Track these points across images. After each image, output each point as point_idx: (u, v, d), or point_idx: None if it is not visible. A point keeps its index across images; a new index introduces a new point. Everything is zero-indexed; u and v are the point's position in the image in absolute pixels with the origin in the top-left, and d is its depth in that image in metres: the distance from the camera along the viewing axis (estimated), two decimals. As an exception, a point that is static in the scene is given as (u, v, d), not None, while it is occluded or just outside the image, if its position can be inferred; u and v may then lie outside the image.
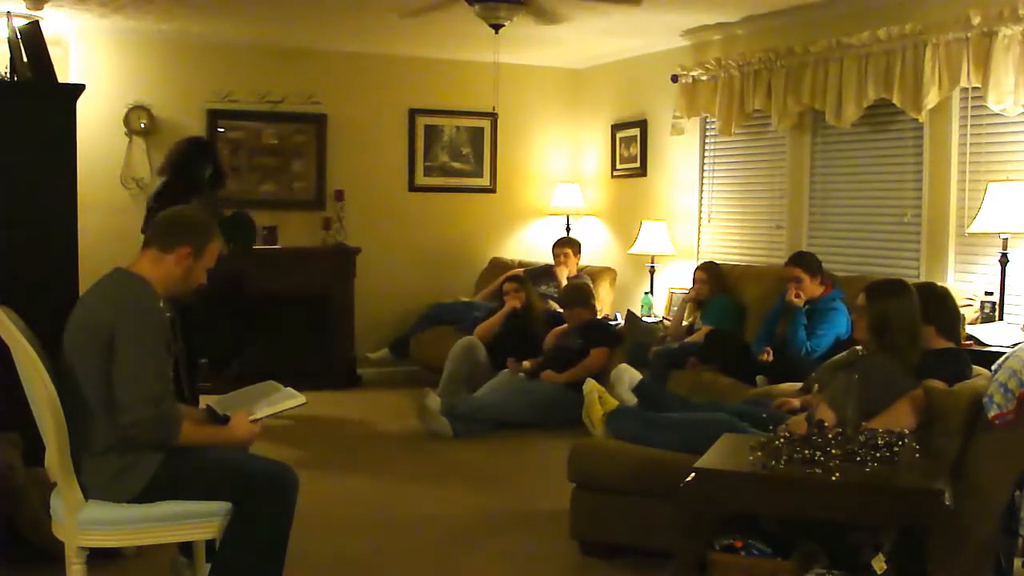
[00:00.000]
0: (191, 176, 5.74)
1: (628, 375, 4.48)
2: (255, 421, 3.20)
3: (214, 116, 7.44)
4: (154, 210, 5.95)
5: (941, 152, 5.32)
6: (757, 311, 5.87)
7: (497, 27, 5.73)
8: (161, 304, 3.01)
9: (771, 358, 5.29)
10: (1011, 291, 4.88)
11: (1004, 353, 3.46)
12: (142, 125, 7.19)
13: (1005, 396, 3.14)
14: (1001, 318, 4.82)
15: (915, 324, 3.59)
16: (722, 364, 5.45)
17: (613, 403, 4.26)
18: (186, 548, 3.45)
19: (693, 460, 3.18)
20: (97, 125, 6.91)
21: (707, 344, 5.63)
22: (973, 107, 5.14)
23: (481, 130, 8.35)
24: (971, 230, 4.97)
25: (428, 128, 8.18)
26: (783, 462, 3.04)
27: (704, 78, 6.72)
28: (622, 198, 8.04)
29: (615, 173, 8.11)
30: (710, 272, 6.28)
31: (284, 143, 7.69)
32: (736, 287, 6.23)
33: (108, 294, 2.97)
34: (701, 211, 7.17)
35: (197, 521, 2.96)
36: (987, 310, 4.86)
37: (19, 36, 4.52)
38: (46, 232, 4.23)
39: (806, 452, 3.03)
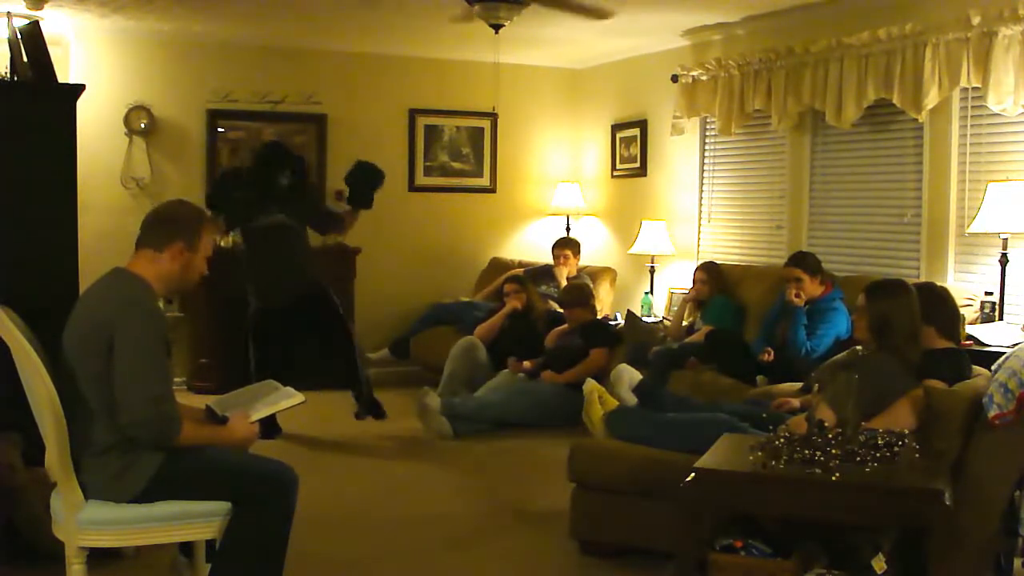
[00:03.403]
0: (268, 183, 5.87)
1: (628, 375, 4.48)
2: (255, 422, 3.20)
3: (214, 116, 7.44)
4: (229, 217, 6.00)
5: (941, 152, 5.32)
6: (757, 311, 5.87)
7: (497, 27, 5.72)
8: (160, 304, 3.02)
9: (771, 358, 5.29)
10: (1011, 291, 4.88)
11: (1004, 353, 3.46)
12: (142, 125, 7.19)
13: (1005, 396, 3.14)
14: (1001, 318, 4.82)
15: (915, 324, 3.58)
16: (722, 364, 5.44)
17: (613, 403, 4.26)
18: (186, 548, 3.44)
19: (693, 460, 3.18)
20: (97, 125, 6.91)
21: (707, 344, 5.63)
22: (973, 107, 5.14)
23: (481, 130, 8.35)
24: (971, 230, 4.97)
25: (428, 128, 8.18)
26: (783, 462, 3.04)
27: (704, 78, 6.72)
28: (622, 198, 8.04)
29: (615, 173, 8.11)
30: (710, 272, 6.27)
31: (284, 143, 7.67)
32: (736, 287, 6.23)
33: (108, 294, 2.98)
34: (701, 211, 7.17)
35: (197, 521, 2.96)
36: (987, 310, 4.86)
37: (19, 36, 4.52)
38: (46, 232, 4.23)
39: (806, 452, 3.03)
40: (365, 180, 6.22)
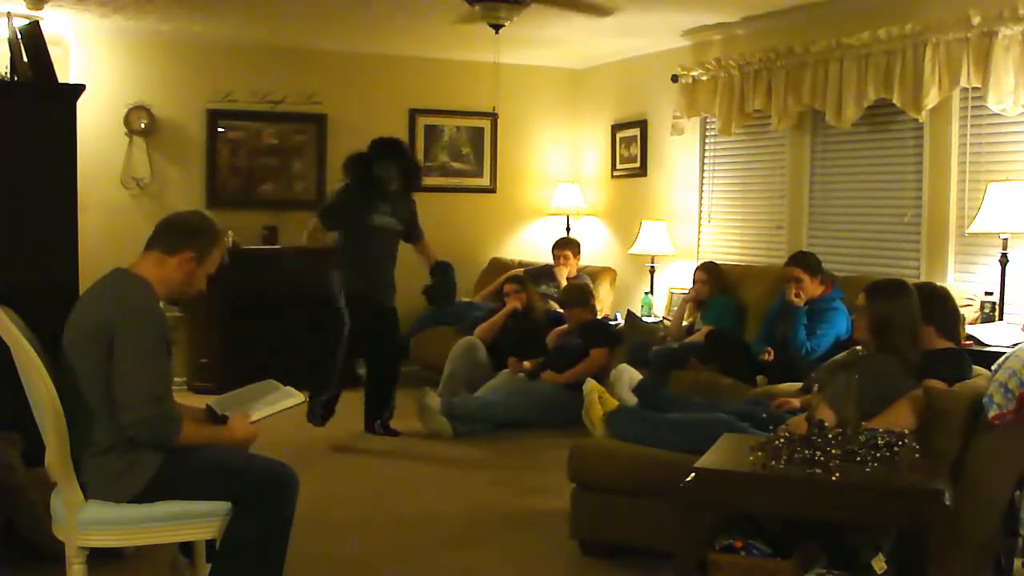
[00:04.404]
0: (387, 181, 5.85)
1: (628, 375, 4.48)
2: (255, 422, 3.20)
3: (214, 116, 7.45)
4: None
5: (941, 152, 5.32)
6: (757, 311, 5.87)
7: (497, 27, 5.73)
8: (161, 304, 3.02)
9: (771, 358, 5.29)
10: (1011, 291, 4.88)
11: (1004, 353, 3.46)
12: (142, 125, 7.20)
13: (1005, 396, 3.14)
14: (1001, 318, 4.82)
15: (915, 324, 3.59)
16: (722, 364, 5.45)
17: (613, 403, 4.26)
18: (186, 548, 3.44)
19: (693, 460, 3.17)
20: (97, 125, 6.91)
21: (707, 344, 5.63)
22: (973, 107, 5.14)
23: (481, 130, 8.36)
24: (971, 230, 4.97)
25: (428, 128, 8.18)
26: (783, 462, 3.04)
27: (704, 78, 6.72)
28: (622, 198, 8.04)
29: (615, 173, 8.11)
30: (710, 272, 6.28)
31: (284, 143, 7.69)
32: (736, 287, 6.23)
33: (108, 294, 2.98)
34: (701, 211, 7.17)
35: (197, 521, 2.96)
36: (987, 310, 4.86)
37: (19, 36, 4.51)
38: (46, 232, 4.23)
39: (806, 452, 3.03)
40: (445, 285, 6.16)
